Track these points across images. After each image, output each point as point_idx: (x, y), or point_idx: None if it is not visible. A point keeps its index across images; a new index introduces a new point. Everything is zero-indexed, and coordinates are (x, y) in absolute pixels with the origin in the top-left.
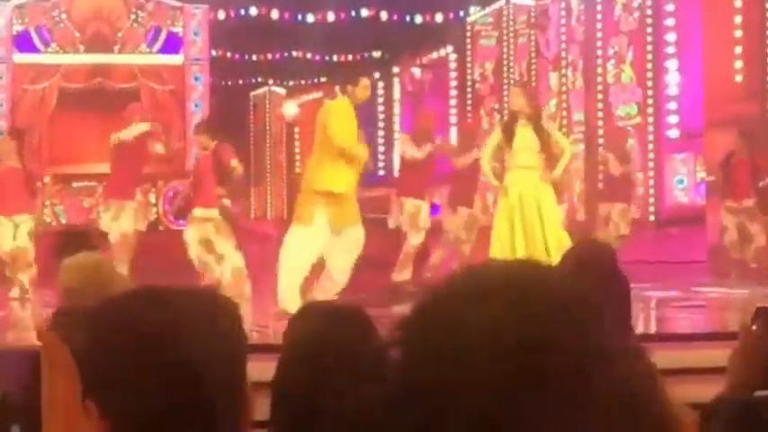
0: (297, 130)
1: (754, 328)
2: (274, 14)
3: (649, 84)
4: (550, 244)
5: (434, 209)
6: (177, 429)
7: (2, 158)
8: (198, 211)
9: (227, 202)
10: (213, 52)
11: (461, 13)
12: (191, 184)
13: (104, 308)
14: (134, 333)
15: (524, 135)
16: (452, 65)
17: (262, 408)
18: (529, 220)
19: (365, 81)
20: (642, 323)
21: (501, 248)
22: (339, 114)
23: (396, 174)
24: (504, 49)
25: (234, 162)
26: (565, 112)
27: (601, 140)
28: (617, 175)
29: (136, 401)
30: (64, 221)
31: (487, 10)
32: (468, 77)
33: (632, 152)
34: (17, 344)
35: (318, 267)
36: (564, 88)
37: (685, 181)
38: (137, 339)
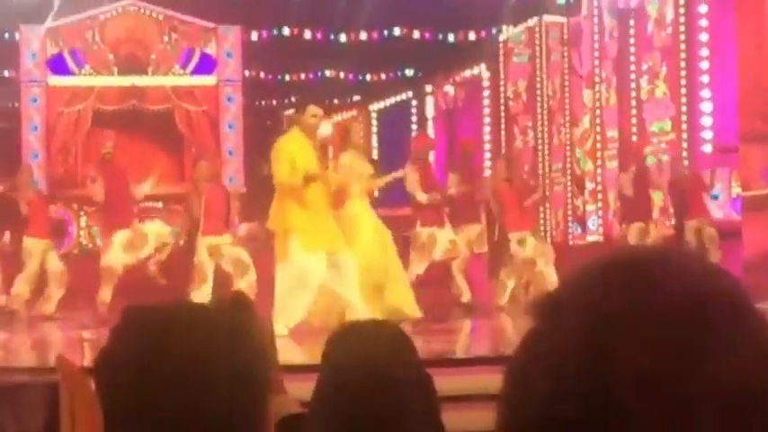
0: (330, 149)
1: None
2: (307, 34)
3: (683, 99)
4: None
5: None
6: None
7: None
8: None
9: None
10: (246, 72)
11: (494, 31)
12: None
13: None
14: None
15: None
16: (485, 83)
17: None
18: None
19: (312, 109)
20: None
21: None
22: (277, 152)
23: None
24: (537, 67)
25: None
26: (599, 129)
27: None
28: (630, 195)
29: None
30: (100, 243)
31: (520, 27)
32: (501, 95)
33: (653, 170)
34: (34, 378)
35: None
36: (597, 105)
37: (720, 196)
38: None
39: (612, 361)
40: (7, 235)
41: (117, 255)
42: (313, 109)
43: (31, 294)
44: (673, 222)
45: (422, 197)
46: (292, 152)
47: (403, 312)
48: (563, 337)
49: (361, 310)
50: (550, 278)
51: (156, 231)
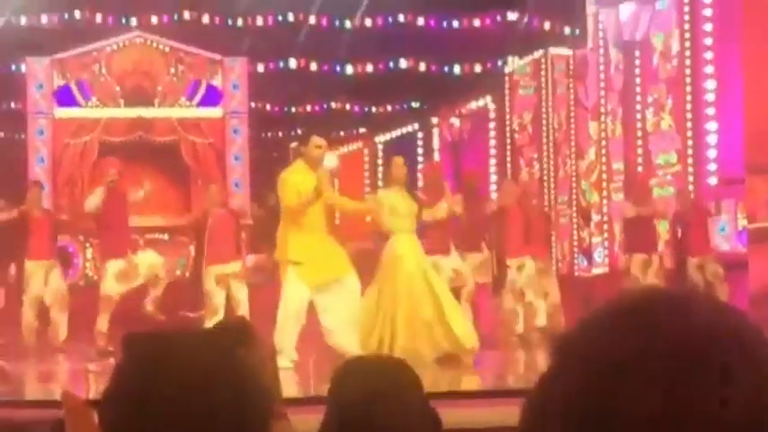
0: (336, 181)
1: None
2: (313, 66)
3: (689, 131)
4: None
5: None
6: None
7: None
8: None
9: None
10: (252, 104)
11: (500, 64)
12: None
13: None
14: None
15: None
16: (491, 115)
17: None
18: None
19: (316, 140)
20: None
21: None
22: (283, 182)
23: None
24: (543, 99)
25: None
26: (604, 161)
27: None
28: (631, 217)
29: None
30: None
31: (526, 60)
32: (507, 127)
33: (658, 202)
34: (38, 415)
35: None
36: (603, 137)
37: (726, 228)
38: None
39: (616, 407)
40: (13, 268)
41: (111, 284)
42: (316, 140)
43: (38, 321)
44: (674, 256)
45: (439, 212)
46: (297, 183)
47: (462, 345)
48: (569, 384)
49: (343, 341)
50: (539, 310)
51: (148, 262)
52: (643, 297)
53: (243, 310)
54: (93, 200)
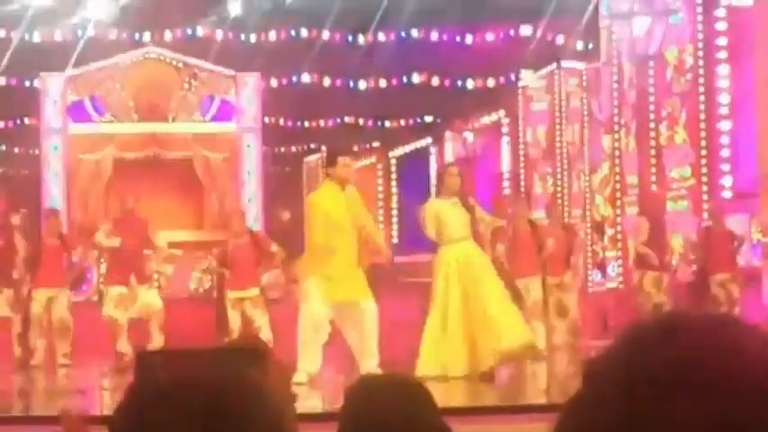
0: None
1: None
2: (326, 81)
3: (703, 146)
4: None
5: None
6: None
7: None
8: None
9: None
10: (266, 119)
11: (513, 78)
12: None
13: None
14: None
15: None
16: (504, 129)
17: None
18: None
19: (343, 159)
20: None
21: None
22: (311, 208)
23: None
24: (557, 113)
25: (274, 247)
26: (618, 174)
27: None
28: (640, 252)
29: None
30: None
31: (539, 74)
32: (520, 141)
33: (672, 216)
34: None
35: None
36: (617, 150)
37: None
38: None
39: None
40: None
41: (109, 309)
42: (343, 159)
43: (48, 343)
44: (694, 269)
45: (498, 222)
46: (325, 208)
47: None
48: (606, 410)
49: (371, 362)
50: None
51: (146, 301)
52: (668, 321)
53: (264, 334)
54: (100, 237)
